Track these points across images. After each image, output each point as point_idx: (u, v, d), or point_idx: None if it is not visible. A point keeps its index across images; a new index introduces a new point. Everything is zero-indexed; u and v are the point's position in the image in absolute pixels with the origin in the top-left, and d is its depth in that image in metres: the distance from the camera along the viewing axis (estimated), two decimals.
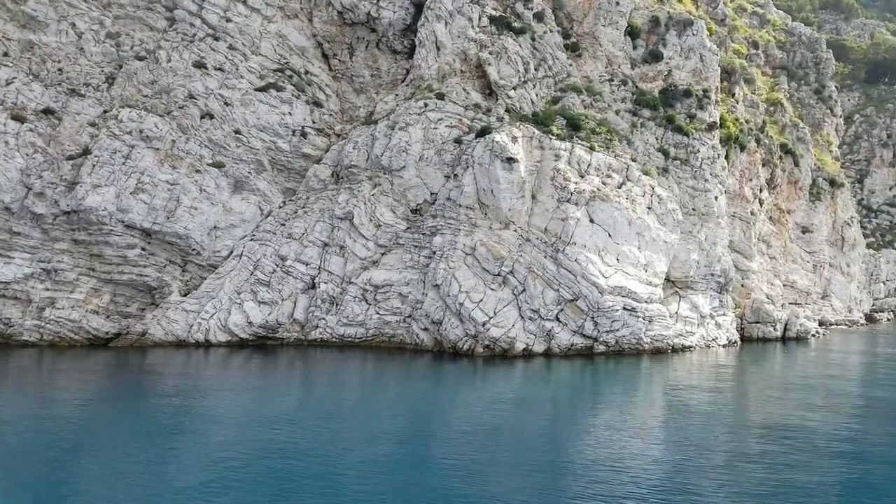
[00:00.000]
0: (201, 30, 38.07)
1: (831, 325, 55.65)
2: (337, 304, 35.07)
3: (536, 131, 36.35)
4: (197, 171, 35.79)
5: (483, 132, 35.65)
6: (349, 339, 34.61)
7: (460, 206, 34.99)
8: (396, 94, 39.16)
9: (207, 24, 38.13)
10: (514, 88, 37.85)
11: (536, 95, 38.79)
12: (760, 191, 52.34)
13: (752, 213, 49.23)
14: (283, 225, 36.88)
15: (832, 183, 63.91)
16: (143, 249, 34.79)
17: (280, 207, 37.64)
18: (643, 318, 34.20)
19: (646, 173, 38.83)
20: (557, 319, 33.59)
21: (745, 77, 59.67)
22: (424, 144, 36.27)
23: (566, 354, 32.70)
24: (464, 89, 37.45)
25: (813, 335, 46.93)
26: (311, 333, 34.77)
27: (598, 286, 33.28)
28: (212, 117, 36.86)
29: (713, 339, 38.28)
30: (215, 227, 35.97)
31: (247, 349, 33.62)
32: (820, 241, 61.47)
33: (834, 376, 30.94)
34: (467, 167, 35.28)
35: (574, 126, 37.83)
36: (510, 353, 32.19)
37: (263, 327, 34.53)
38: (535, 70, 38.84)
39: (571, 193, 34.99)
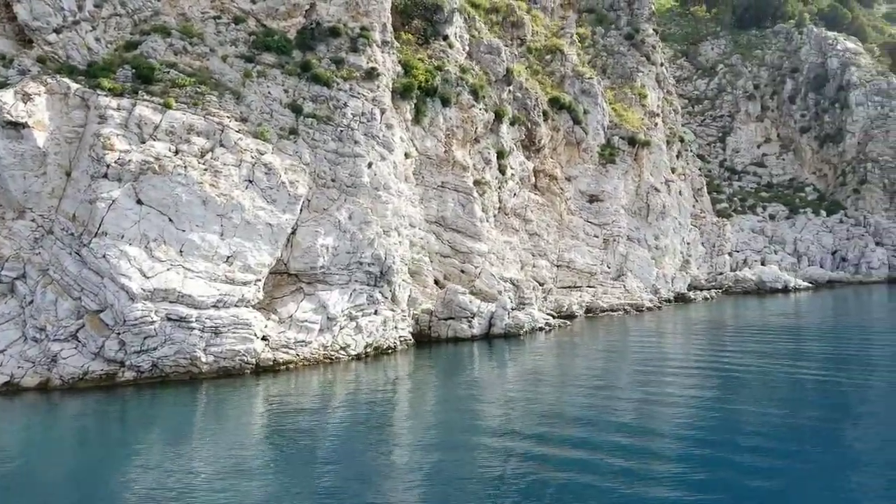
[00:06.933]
0: None
1: (605, 311, 49.49)
2: None
3: (75, 86, 28.87)
4: None
5: None
6: None
7: None
8: None
9: None
10: (57, 32, 30.24)
11: (98, 40, 31.28)
12: (503, 155, 45.70)
13: (477, 183, 42.51)
14: None
15: (632, 142, 57.71)
16: None
17: None
18: (202, 330, 27.18)
19: (258, 136, 31.68)
20: (77, 339, 26.32)
21: (516, 20, 53.18)
22: None
23: (73, 387, 25.41)
24: None
25: (543, 329, 40.53)
26: None
27: (129, 290, 26.10)
28: None
29: (342, 349, 31.35)
30: None
31: None
32: (614, 212, 55.39)
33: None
34: None
35: (144, 78, 30.42)
36: None
37: None
38: (97, 7, 31.22)
39: (109, 166, 27.60)
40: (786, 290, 69.59)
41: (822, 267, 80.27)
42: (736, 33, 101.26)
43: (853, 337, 37.84)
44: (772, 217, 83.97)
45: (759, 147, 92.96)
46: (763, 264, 76.25)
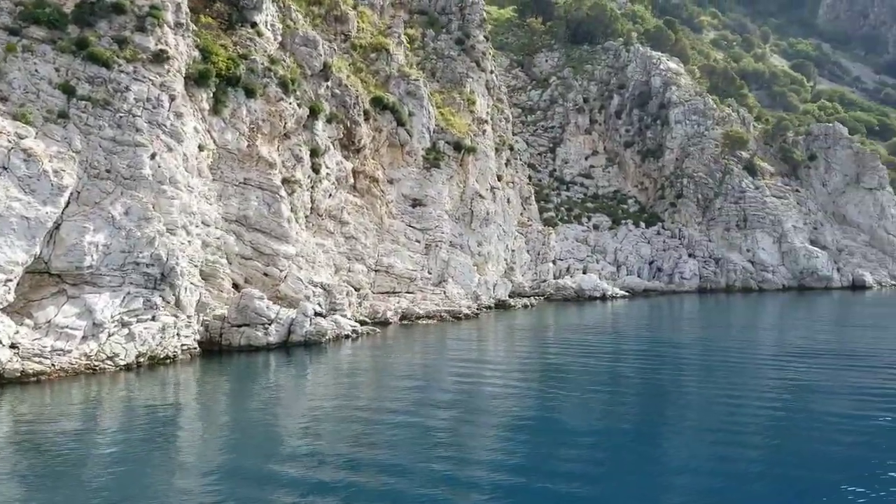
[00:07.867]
0: None
1: (421, 317, 48.66)
2: None
3: None
4: None
5: None
6: None
7: None
8: None
9: None
10: None
11: None
12: (317, 153, 43.77)
13: (286, 181, 40.34)
14: None
15: (458, 147, 57.46)
16: None
17: None
18: None
19: (19, 117, 28.10)
20: None
21: (340, 15, 51.32)
22: None
23: None
24: None
25: (349, 336, 38.94)
26: None
27: None
28: None
29: (109, 358, 28.33)
30: None
31: None
32: (437, 217, 54.79)
33: None
34: None
35: None
36: None
37: None
38: None
39: None
40: (604, 298, 71.95)
41: (639, 276, 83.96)
42: (569, 47, 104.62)
43: (666, 352, 37.80)
44: (596, 227, 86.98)
45: (587, 159, 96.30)
46: (585, 273, 78.68)
